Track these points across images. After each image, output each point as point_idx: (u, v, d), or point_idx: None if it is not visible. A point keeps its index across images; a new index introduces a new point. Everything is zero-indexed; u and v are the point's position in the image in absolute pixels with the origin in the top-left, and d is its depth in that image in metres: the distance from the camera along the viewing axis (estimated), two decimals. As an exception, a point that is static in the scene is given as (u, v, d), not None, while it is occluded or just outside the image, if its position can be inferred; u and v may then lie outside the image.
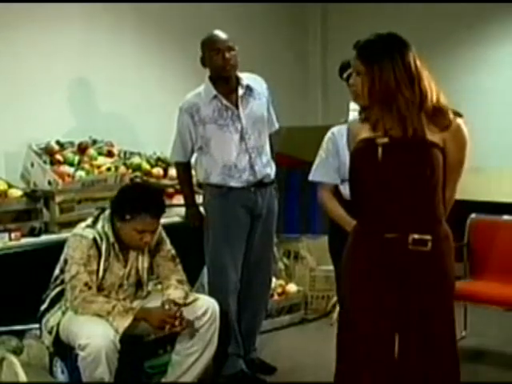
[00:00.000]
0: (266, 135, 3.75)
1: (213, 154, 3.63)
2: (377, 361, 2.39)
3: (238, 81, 3.67)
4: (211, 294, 3.56)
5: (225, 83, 3.65)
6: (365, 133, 2.43)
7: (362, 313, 2.42)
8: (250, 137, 3.64)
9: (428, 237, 2.35)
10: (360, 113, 2.51)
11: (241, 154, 3.62)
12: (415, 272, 2.37)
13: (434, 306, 2.39)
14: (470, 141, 2.40)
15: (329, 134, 3.31)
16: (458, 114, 2.39)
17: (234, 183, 3.62)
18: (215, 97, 3.62)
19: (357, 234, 2.50)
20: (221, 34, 3.63)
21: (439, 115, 2.34)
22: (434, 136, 2.33)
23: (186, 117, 3.65)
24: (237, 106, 3.63)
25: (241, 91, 3.66)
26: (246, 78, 3.71)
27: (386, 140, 2.35)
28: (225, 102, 3.62)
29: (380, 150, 2.35)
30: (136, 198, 3.12)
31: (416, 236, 2.35)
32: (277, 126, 3.90)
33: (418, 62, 2.34)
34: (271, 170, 3.76)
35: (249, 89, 3.68)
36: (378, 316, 2.39)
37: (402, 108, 2.31)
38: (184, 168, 3.84)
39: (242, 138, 3.62)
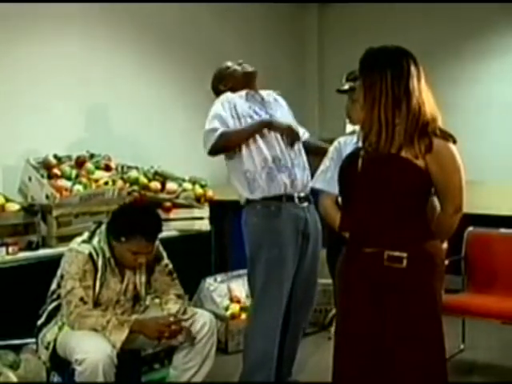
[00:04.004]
0: (299, 144, 3.56)
1: (260, 146, 3.37)
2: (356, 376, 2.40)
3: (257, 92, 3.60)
4: (256, 335, 3.37)
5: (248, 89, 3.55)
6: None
7: (346, 325, 2.46)
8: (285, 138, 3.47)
9: (404, 254, 2.30)
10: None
11: (284, 152, 3.41)
12: (391, 289, 2.33)
13: (411, 327, 2.33)
14: (466, 155, 2.37)
15: (335, 143, 3.25)
16: (449, 138, 2.31)
17: (283, 177, 3.35)
18: (247, 93, 3.51)
19: (347, 247, 2.50)
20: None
21: (423, 137, 2.27)
22: (414, 156, 2.27)
23: (227, 107, 3.41)
24: (266, 110, 3.52)
25: (266, 96, 3.59)
26: (267, 93, 3.64)
27: (364, 152, 2.37)
28: (258, 97, 3.54)
29: (360, 161, 2.37)
30: (132, 221, 3.08)
31: (391, 253, 2.31)
32: (307, 135, 3.73)
33: (415, 81, 2.29)
34: (308, 182, 3.45)
35: (272, 97, 3.63)
36: (358, 330, 2.39)
37: (377, 123, 2.28)
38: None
39: (281, 136, 3.43)
